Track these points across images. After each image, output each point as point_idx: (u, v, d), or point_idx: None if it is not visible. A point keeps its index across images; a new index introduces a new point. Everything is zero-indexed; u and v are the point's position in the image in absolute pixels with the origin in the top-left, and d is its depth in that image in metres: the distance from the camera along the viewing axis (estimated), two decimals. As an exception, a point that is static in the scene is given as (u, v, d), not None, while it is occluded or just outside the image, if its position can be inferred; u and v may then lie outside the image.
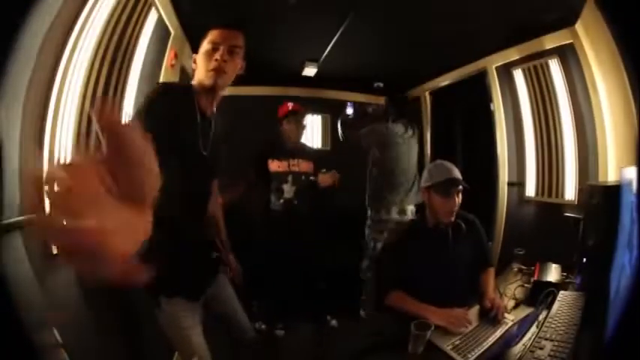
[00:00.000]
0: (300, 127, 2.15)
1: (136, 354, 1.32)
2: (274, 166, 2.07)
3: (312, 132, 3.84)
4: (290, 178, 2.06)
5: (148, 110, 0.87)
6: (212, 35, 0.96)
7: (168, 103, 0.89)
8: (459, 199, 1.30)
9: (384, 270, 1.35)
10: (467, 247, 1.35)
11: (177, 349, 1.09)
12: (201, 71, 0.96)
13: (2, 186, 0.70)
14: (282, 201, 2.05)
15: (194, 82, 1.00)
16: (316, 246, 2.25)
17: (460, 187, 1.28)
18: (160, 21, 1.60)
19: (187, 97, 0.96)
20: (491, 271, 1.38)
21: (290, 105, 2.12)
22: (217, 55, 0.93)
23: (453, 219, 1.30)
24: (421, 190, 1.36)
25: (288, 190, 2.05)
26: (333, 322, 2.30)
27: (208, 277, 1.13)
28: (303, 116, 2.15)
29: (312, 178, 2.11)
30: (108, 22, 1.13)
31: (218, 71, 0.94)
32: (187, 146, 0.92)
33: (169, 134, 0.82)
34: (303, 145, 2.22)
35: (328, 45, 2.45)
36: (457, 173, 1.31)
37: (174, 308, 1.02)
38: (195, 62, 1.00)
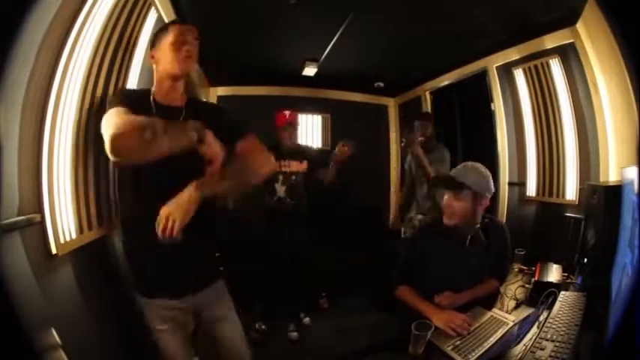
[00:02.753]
0: (296, 132, 2.34)
1: (136, 354, 1.32)
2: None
3: (312, 132, 3.84)
4: (280, 177, 2.20)
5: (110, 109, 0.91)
6: (176, 29, 1.01)
7: (123, 101, 0.93)
8: (457, 201, 1.25)
9: (398, 264, 1.33)
10: (484, 255, 1.28)
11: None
12: (169, 62, 1.00)
13: (2, 186, 0.69)
14: (275, 199, 2.20)
15: (157, 76, 1.04)
16: (310, 242, 2.34)
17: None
18: (160, 20, 1.60)
19: (143, 93, 1.03)
20: (493, 283, 1.32)
21: (287, 114, 2.27)
22: (187, 45, 1.00)
23: (454, 221, 1.25)
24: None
25: (279, 189, 2.20)
26: (306, 320, 2.35)
27: (190, 279, 1.06)
28: (298, 123, 2.35)
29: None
30: (107, 21, 1.12)
31: (190, 58, 1.01)
32: None
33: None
34: (297, 146, 2.35)
35: (328, 45, 2.45)
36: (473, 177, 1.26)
37: (152, 309, 1.03)
38: (153, 57, 1.04)
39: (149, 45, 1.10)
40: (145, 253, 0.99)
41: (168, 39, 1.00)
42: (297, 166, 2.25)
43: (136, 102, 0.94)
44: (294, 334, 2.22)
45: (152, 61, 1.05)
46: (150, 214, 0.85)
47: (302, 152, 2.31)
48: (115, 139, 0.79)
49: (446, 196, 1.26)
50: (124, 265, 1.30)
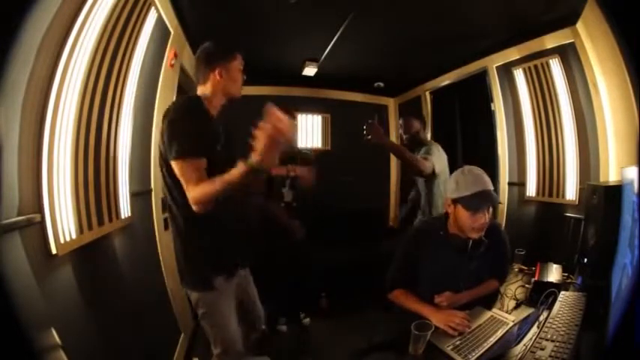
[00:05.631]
0: (295, 133, 2.38)
1: (135, 354, 1.32)
2: (275, 170, 2.17)
3: (312, 132, 3.84)
4: (288, 182, 2.19)
5: (185, 125, 1.05)
6: (240, 60, 1.21)
7: (194, 116, 1.08)
8: (489, 214, 1.17)
9: (393, 267, 1.30)
10: (484, 261, 1.25)
11: (214, 338, 1.20)
12: (235, 85, 1.20)
13: (2, 186, 0.69)
14: (282, 205, 2.18)
15: (214, 90, 1.17)
16: (315, 246, 2.35)
17: (493, 201, 1.16)
18: (160, 21, 1.60)
19: (202, 107, 1.13)
20: (493, 283, 1.31)
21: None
22: (243, 77, 1.21)
23: (481, 235, 1.18)
24: (445, 201, 1.25)
25: (287, 194, 2.19)
26: (306, 321, 2.36)
27: (244, 255, 1.29)
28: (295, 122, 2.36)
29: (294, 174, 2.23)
30: (107, 21, 1.12)
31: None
32: (210, 146, 1.09)
33: (202, 138, 1.05)
34: (299, 151, 2.36)
35: (328, 45, 2.45)
36: (490, 184, 1.18)
37: (229, 289, 1.19)
38: (220, 75, 1.16)
39: (210, 59, 1.17)
40: (225, 236, 1.17)
41: (238, 65, 1.19)
42: (301, 171, 2.24)
43: (201, 116, 1.11)
44: (284, 327, 2.28)
45: (219, 77, 1.15)
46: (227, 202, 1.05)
47: (306, 156, 2.33)
48: None
49: (487, 214, 1.17)
50: (124, 265, 1.30)
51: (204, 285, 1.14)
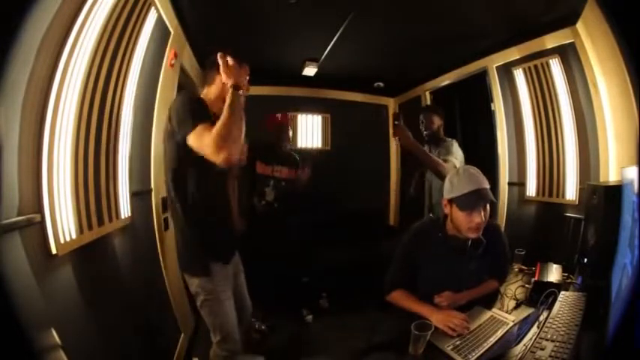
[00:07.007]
0: (287, 134, 2.33)
1: (135, 354, 1.32)
2: (260, 168, 2.24)
3: (312, 132, 3.85)
4: (271, 182, 2.22)
5: (191, 106, 1.10)
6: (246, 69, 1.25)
7: (198, 103, 1.14)
8: (486, 213, 1.17)
9: (393, 268, 1.30)
10: (483, 262, 1.25)
11: (213, 326, 1.24)
12: (243, 80, 1.20)
13: (2, 186, 0.69)
14: (263, 203, 2.22)
15: (220, 92, 1.20)
16: (295, 245, 2.37)
17: (489, 200, 1.16)
18: (160, 21, 1.60)
19: (204, 103, 1.17)
20: (493, 283, 1.30)
21: (278, 116, 2.29)
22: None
23: (479, 235, 1.19)
24: (442, 201, 1.25)
25: (269, 193, 2.22)
26: (309, 318, 2.37)
27: (234, 244, 1.39)
28: (289, 125, 2.36)
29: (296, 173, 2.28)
30: (107, 21, 1.12)
31: None
32: None
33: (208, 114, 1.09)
34: (289, 153, 2.36)
35: (328, 45, 2.45)
36: (485, 182, 1.18)
37: (225, 276, 1.25)
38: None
39: (214, 66, 1.20)
40: (219, 227, 1.24)
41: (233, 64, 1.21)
42: (288, 173, 2.27)
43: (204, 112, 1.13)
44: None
45: (220, 77, 1.17)
46: (217, 193, 1.23)
47: (294, 159, 2.33)
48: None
49: (483, 213, 1.16)
50: (124, 265, 1.30)
51: (202, 270, 1.19)
